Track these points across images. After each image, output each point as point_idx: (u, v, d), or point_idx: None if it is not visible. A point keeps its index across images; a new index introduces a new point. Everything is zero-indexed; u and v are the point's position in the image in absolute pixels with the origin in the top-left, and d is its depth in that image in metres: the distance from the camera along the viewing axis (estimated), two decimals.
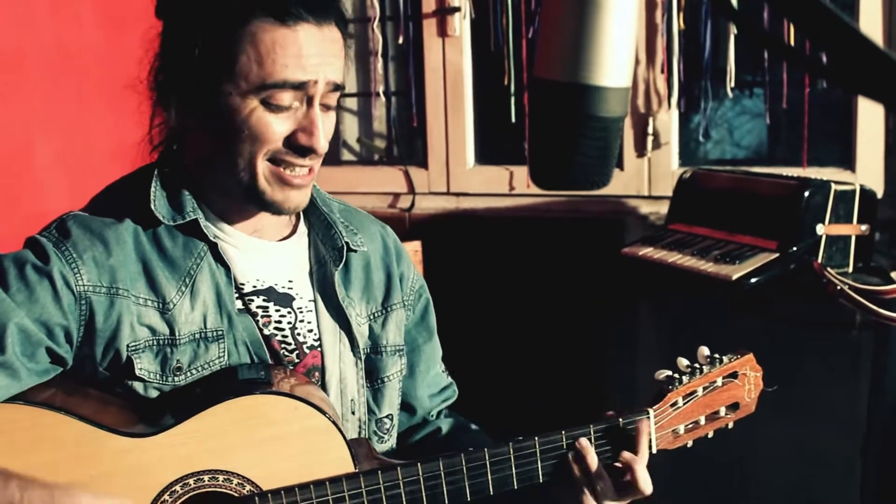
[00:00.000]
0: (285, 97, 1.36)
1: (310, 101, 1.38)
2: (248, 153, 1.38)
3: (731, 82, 2.79)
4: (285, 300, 1.51)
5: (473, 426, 1.72)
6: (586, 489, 1.44)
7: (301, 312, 1.51)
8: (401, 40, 3.19)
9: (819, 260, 2.22)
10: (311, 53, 1.36)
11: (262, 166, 1.39)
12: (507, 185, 3.13)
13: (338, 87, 1.42)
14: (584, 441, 1.45)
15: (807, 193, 2.24)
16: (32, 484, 1.24)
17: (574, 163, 0.81)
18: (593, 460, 1.44)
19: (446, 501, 1.42)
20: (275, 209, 1.44)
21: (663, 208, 2.82)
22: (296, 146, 1.39)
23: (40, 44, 2.70)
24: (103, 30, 2.86)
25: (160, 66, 1.42)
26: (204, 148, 1.43)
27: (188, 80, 1.38)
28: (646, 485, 1.45)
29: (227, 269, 1.45)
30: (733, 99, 2.98)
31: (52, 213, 1.47)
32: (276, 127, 1.37)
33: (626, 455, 1.46)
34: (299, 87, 1.36)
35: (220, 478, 1.36)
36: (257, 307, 1.48)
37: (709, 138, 2.99)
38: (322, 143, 1.40)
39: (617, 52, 0.78)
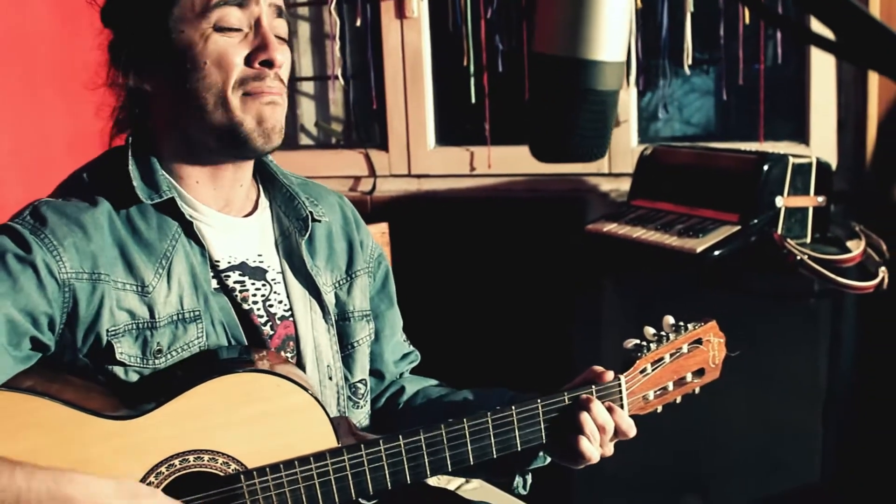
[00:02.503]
0: (233, 17, 1.41)
1: (258, 22, 1.43)
2: (217, 86, 1.41)
3: (688, 60, 2.83)
4: (259, 273, 1.52)
5: (433, 381, 1.76)
6: (590, 440, 1.46)
7: (275, 283, 1.53)
8: (358, 22, 3.18)
9: (779, 231, 2.27)
10: None
11: (235, 98, 1.42)
12: (468, 166, 3.14)
13: (281, 13, 1.46)
14: (586, 395, 1.49)
15: (766, 167, 2.29)
16: (36, 470, 1.24)
17: (574, 136, 0.84)
18: (600, 408, 1.47)
19: (428, 473, 1.44)
20: (255, 138, 1.44)
21: (623, 185, 2.86)
22: (255, 65, 1.42)
23: None
24: (54, 18, 2.82)
25: (112, 41, 1.46)
26: (171, 104, 1.44)
27: (138, 35, 1.42)
28: (629, 428, 1.50)
29: (202, 247, 1.45)
30: (682, 77, 3.02)
31: (7, 205, 1.46)
32: (233, 49, 1.41)
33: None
34: (242, 4, 1.41)
35: (206, 457, 1.36)
36: (234, 282, 1.49)
37: (668, 114, 3.03)
38: (279, 56, 1.43)
39: (613, 28, 0.81)
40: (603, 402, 1.48)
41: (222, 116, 1.42)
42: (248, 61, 1.42)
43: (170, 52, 1.41)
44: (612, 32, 0.82)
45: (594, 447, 1.46)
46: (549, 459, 1.57)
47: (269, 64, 1.42)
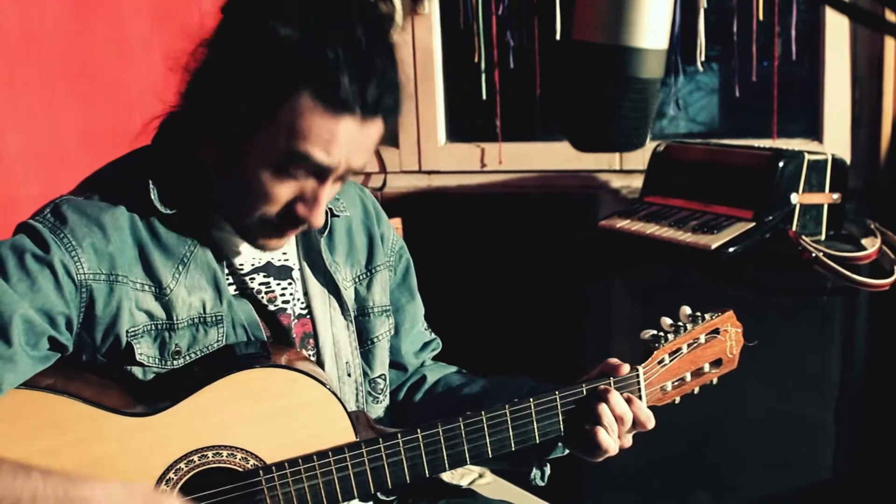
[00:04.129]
0: (300, 171, 1.33)
1: (323, 179, 1.34)
2: (246, 206, 1.37)
3: (701, 56, 2.82)
4: (285, 272, 1.52)
5: (456, 369, 1.76)
6: (608, 431, 1.45)
7: (297, 281, 1.53)
8: None
9: (794, 228, 2.27)
10: (344, 145, 1.30)
11: (255, 218, 1.38)
12: (479, 163, 3.14)
13: (356, 172, 1.39)
14: (604, 385, 1.48)
15: (781, 164, 2.28)
16: (52, 472, 1.24)
17: (615, 124, 0.83)
18: (618, 399, 1.46)
19: (447, 466, 1.44)
20: (255, 245, 1.43)
21: (635, 182, 2.85)
22: (293, 214, 1.36)
23: (4, 29, 2.65)
24: (67, 14, 2.82)
25: (199, 75, 1.36)
26: (215, 167, 1.39)
27: (217, 113, 1.32)
28: (648, 420, 1.49)
29: (223, 253, 1.45)
30: (689, 75, 3.01)
31: (23, 201, 1.45)
32: (281, 194, 1.34)
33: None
34: (319, 166, 1.32)
35: (224, 453, 1.36)
36: (260, 284, 1.49)
37: (679, 110, 3.02)
38: (320, 220, 1.37)
39: (656, 15, 0.80)
40: (621, 393, 1.48)
41: (238, 217, 1.39)
42: (289, 206, 1.36)
43: (231, 153, 1.33)
44: (655, 19, 0.81)
45: (612, 439, 1.45)
46: (566, 451, 1.57)
47: (302, 223, 1.37)
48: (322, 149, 1.29)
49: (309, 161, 1.30)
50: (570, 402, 1.48)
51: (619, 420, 1.46)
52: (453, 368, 1.75)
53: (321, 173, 1.33)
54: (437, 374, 1.72)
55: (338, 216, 1.57)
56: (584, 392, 1.49)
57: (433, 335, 1.77)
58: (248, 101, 1.28)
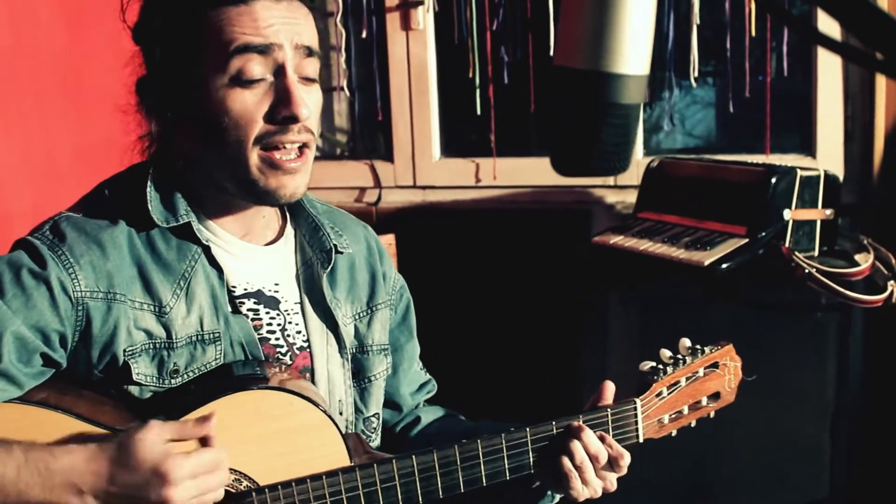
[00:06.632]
0: (254, 68, 1.35)
1: (282, 71, 1.37)
2: (236, 141, 1.37)
3: (694, 72, 2.83)
4: (272, 303, 1.51)
5: (450, 412, 1.75)
6: (577, 473, 1.45)
7: (288, 315, 1.52)
8: (364, 34, 3.19)
9: (787, 244, 2.27)
10: (270, 22, 1.36)
11: (254, 155, 1.38)
12: (474, 178, 3.14)
13: (311, 52, 1.40)
14: (577, 423, 1.47)
15: (774, 180, 2.28)
16: (33, 448, 1.24)
17: (597, 150, 0.83)
18: (591, 438, 1.45)
19: (440, 494, 1.43)
20: (270, 199, 1.43)
21: (629, 197, 2.86)
22: (278, 120, 1.37)
23: None
24: (61, 29, 2.82)
25: (140, 79, 1.43)
26: (193, 148, 1.42)
27: (165, 83, 1.39)
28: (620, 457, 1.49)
29: (221, 271, 1.44)
30: (685, 89, 3.02)
31: (15, 216, 1.45)
32: (252, 102, 1.36)
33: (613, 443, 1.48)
34: (264, 51, 1.35)
35: None
36: (248, 310, 1.48)
37: (673, 126, 3.03)
38: (303, 110, 1.36)
39: (636, 41, 0.80)
40: (595, 431, 1.47)
41: (241, 171, 1.39)
42: (270, 116, 1.37)
43: (194, 103, 1.37)
44: (635, 45, 0.82)
45: (586, 477, 1.45)
46: (556, 500, 1.57)
47: (292, 120, 1.37)
48: (253, 33, 1.34)
49: (250, 48, 1.34)
50: (541, 438, 1.47)
51: (593, 458, 1.45)
52: (450, 412, 1.75)
53: (272, 61, 1.36)
54: (432, 416, 1.72)
55: (341, 253, 1.57)
56: (555, 430, 1.48)
57: (428, 376, 1.77)
58: (182, 46, 1.37)
